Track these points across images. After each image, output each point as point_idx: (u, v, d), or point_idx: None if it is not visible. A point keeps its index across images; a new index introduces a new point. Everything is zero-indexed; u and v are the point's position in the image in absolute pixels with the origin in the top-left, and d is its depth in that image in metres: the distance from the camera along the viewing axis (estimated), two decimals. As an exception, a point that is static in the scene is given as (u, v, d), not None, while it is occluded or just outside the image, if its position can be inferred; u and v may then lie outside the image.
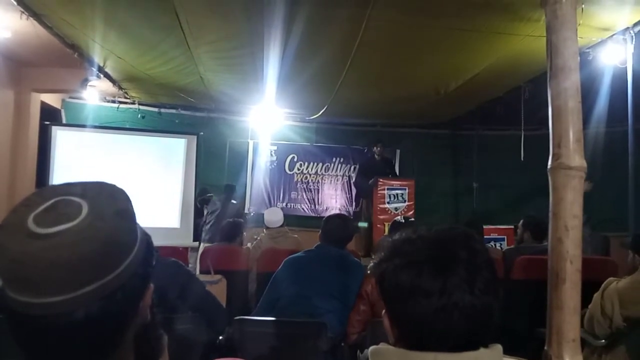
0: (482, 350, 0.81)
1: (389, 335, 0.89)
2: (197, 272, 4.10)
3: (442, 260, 0.82)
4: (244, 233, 4.91)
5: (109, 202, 0.66)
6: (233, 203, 7.00)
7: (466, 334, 0.80)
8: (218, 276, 3.64)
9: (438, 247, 0.84)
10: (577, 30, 0.96)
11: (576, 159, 0.92)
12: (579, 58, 0.93)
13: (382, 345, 0.87)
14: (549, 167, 0.96)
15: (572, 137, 0.90)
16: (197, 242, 6.67)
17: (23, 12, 4.47)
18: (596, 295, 2.72)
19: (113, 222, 0.64)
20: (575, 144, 0.90)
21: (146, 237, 0.70)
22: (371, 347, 0.89)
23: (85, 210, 0.63)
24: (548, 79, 0.96)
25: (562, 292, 0.90)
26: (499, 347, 0.84)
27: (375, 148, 7.87)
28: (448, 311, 0.79)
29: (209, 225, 6.73)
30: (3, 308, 0.62)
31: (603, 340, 2.66)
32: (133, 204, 0.68)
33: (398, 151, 8.51)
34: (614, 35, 4.36)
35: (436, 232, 0.88)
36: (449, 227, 0.90)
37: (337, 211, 8.57)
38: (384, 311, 0.90)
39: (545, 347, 0.95)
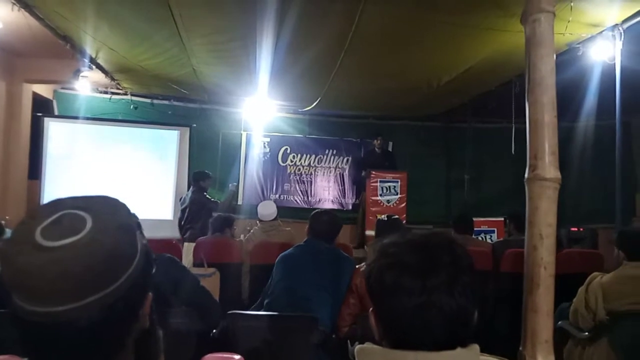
0: (459, 350, 0.87)
1: (374, 332, 0.95)
2: (189, 264, 4.11)
3: (424, 262, 0.88)
4: (234, 227, 4.90)
5: (112, 216, 0.70)
6: (204, 195, 6.24)
7: (445, 334, 0.86)
8: (212, 269, 3.68)
9: (422, 250, 0.90)
10: (554, 46, 1.00)
11: (551, 171, 0.97)
12: (555, 74, 0.97)
13: (367, 345, 0.93)
14: (525, 177, 1.00)
15: (547, 150, 0.95)
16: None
17: (14, 4, 4.45)
18: (581, 290, 2.80)
19: (115, 236, 0.68)
20: (550, 157, 0.95)
21: (146, 248, 0.75)
22: (357, 346, 0.95)
23: (89, 224, 0.67)
24: (526, 93, 1.00)
25: (537, 296, 0.96)
26: (476, 347, 0.90)
27: (375, 141, 7.93)
28: (427, 309, 0.84)
29: (183, 222, 6.25)
30: (12, 315, 0.66)
31: (586, 333, 2.74)
32: (136, 218, 0.73)
33: (391, 143, 8.55)
34: (603, 31, 4.41)
35: (421, 236, 0.93)
36: (434, 232, 0.95)
37: (331, 203, 8.63)
38: (370, 309, 0.96)
39: (520, 348, 1.01)
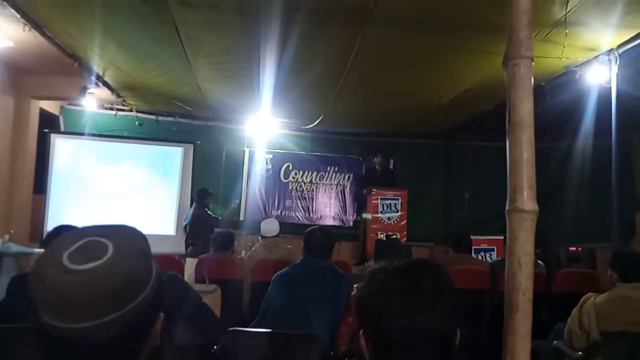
0: None
1: (364, 352, 1.02)
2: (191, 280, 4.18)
3: (408, 287, 0.95)
4: (235, 243, 4.99)
5: (131, 243, 0.79)
6: (206, 212, 6.51)
7: (429, 353, 0.93)
8: (213, 286, 3.75)
9: (407, 276, 0.97)
10: (532, 89, 1.09)
11: (529, 204, 1.05)
12: (532, 115, 1.05)
13: (359, 365, 1.00)
14: (506, 209, 1.09)
15: (526, 184, 1.03)
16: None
17: (26, 24, 4.58)
18: (575, 310, 2.85)
19: (133, 261, 0.77)
20: (528, 190, 1.03)
21: (159, 272, 0.83)
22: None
23: (110, 250, 0.76)
24: (507, 132, 1.09)
25: (515, 319, 1.03)
26: None
27: (375, 158, 8.03)
28: (412, 331, 0.92)
29: (185, 238, 6.49)
30: (40, 330, 0.75)
31: (580, 353, 2.79)
32: (149, 246, 0.81)
33: (392, 161, 8.64)
34: (599, 55, 4.51)
35: (407, 263, 1.01)
36: (420, 259, 1.04)
37: (332, 219, 8.70)
38: (361, 331, 1.03)
39: (500, 367, 1.08)
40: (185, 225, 6.50)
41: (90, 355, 0.74)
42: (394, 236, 3.46)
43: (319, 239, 3.04)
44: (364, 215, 7.69)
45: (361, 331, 1.03)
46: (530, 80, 1.07)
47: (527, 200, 1.02)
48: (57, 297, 0.72)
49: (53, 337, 0.74)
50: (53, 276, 0.73)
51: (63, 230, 2.51)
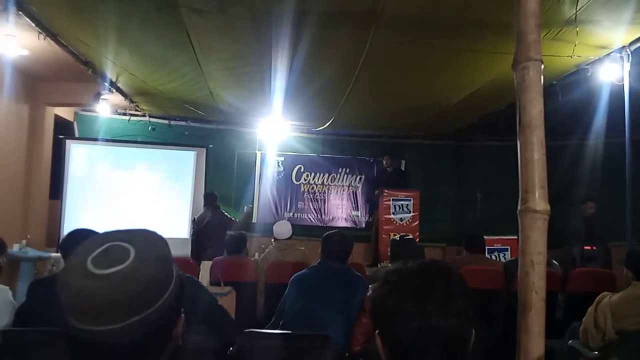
0: None
1: (380, 352, 1.04)
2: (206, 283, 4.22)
3: (421, 289, 0.97)
4: (248, 244, 5.03)
5: (152, 248, 0.82)
6: (223, 214, 6.56)
7: (442, 353, 0.95)
8: (228, 288, 3.78)
9: (419, 278, 0.99)
10: (542, 91, 1.11)
11: (541, 204, 1.06)
12: (543, 116, 1.07)
13: (375, 364, 1.02)
14: (518, 210, 1.10)
15: (537, 184, 1.04)
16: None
17: (40, 33, 4.66)
18: (590, 309, 2.84)
19: (155, 265, 0.80)
20: (540, 190, 1.04)
21: (180, 275, 0.86)
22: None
23: (132, 254, 0.79)
24: (517, 133, 1.11)
25: (529, 318, 1.04)
26: None
27: (384, 160, 8.05)
28: (426, 332, 0.94)
29: (201, 241, 6.47)
30: (65, 333, 0.78)
31: (596, 352, 2.77)
32: (170, 249, 0.84)
33: (403, 162, 8.64)
34: (611, 53, 4.48)
35: (420, 265, 1.03)
36: (433, 260, 1.06)
37: (344, 221, 8.72)
38: (376, 331, 1.05)
39: (515, 365, 1.10)
40: (197, 229, 6.54)
41: (114, 357, 0.77)
42: (409, 236, 3.48)
43: (336, 243, 3.08)
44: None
45: (377, 331, 1.05)
46: (540, 82, 1.09)
47: (538, 200, 1.04)
48: (81, 301, 0.75)
49: (78, 339, 0.76)
50: (77, 281, 0.76)
51: (79, 234, 2.56)
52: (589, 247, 6.44)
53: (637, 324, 2.66)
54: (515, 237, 5.53)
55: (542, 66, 1.08)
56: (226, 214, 6.61)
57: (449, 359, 0.95)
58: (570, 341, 3.10)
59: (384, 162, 8.05)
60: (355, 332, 2.71)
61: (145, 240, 0.83)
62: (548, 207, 1.05)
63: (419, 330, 0.94)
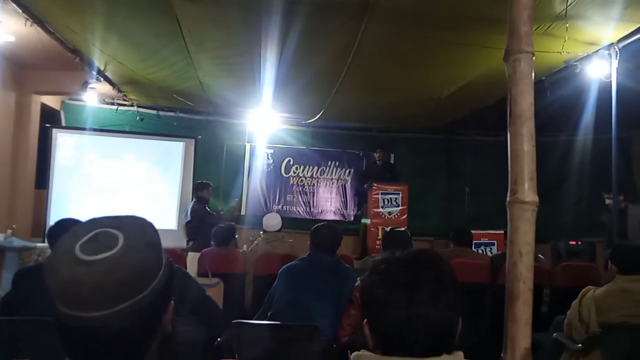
0: (444, 356, 0.96)
1: (368, 341, 1.05)
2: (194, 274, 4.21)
3: (411, 278, 0.97)
4: (236, 236, 5.02)
5: (141, 234, 0.81)
6: (205, 208, 6.43)
7: (430, 342, 0.95)
8: (216, 279, 3.78)
9: (409, 267, 0.99)
10: (533, 83, 1.11)
11: (530, 195, 1.07)
12: (533, 108, 1.07)
13: (363, 352, 1.03)
14: (507, 201, 1.11)
15: (526, 175, 1.05)
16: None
17: (27, 19, 4.58)
18: (574, 303, 2.87)
19: (143, 252, 0.79)
20: (529, 182, 1.05)
21: (169, 262, 0.85)
22: (353, 353, 1.05)
23: (121, 241, 0.78)
24: (508, 125, 1.11)
25: (516, 307, 1.05)
26: (460, 354, 0.99)
27: (375, 154, 8.06)
28: (414, 320, 0.94)
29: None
30: (55, 320, 0.77)
31: (580, 345, 2.81)
32: (159, 236, 0.83)
33: (392, 155, 8.66)
34: (599, 50, 4.51)
35: (409, 254, 1.03)
36: (421, 249, 1.06)
37: (332, 214, 8.73)
38: (365, 320, 1.06)
39: (502, 355, 1.10)
40: (187, 221, 6.54)
41: (105, 343, 0.77)
42: (402, 228, 3.50)
43: (325, 235, 3.08)
44: (363, 221, 7.76)
45: (365, 320, 1.05)
46: (531, 75, 1.09)
47: (527, 191, 1.05)
48: (71, 288, 0.74)
49: (67, 326, 0.76)
50: (66, 267, 0.75)
51: (66, 223, 2.53)
52: (574, 242, 6.52)
53: (623, 316, 2.70)
54: (502, 232, 5.59)
55: (534, 58, 1.09)
56: (207, 208, 6.52)
57: (436, 348, 0.96)
58: (554, 334, 3.14)
59: (376, 155, 8.06)
60: (343, 324, 2.72)
61: (134, 227, 0.82)
62: (537, 199, 1.06)
63: (407, 319, 0.94)
